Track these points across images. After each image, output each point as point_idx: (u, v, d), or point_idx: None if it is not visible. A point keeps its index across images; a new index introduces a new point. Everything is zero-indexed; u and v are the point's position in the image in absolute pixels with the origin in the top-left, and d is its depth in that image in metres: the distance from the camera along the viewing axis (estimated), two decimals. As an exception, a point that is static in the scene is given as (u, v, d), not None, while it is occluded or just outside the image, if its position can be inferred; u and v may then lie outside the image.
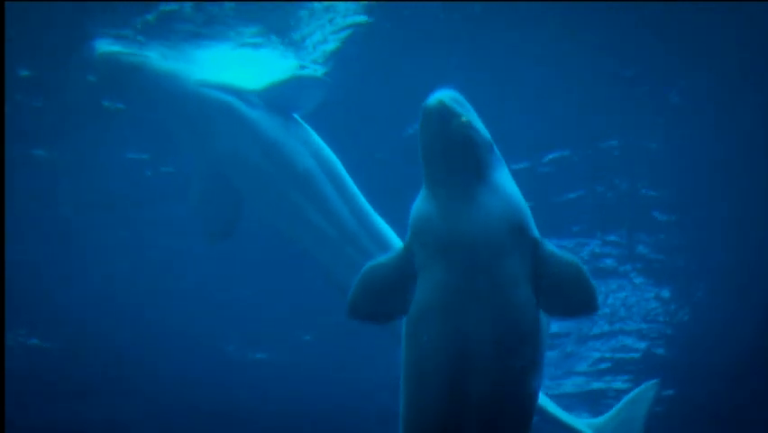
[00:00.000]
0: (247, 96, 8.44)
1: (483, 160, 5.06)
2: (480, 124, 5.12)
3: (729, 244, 12.14)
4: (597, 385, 16.05)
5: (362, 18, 8.59)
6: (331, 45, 8.89)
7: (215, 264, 11.86)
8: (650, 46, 9.00)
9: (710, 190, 11.10)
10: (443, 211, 5.06)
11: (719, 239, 12.04)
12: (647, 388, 9.70)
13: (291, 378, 15.41)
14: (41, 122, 9.68)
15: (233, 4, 8.38)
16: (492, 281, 5.06)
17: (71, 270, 12.26)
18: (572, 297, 5.26)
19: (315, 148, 8.59)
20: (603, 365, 15.40)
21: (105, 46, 8.54)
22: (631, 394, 9.74)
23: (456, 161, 4.98)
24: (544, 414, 9.32)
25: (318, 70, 9.09)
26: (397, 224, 8.11)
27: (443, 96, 4.99)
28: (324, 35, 8.78)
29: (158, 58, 8.54)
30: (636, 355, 15.04)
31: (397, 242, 8.35)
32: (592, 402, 16.06)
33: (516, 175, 5.40)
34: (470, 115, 5.05)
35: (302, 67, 9.09)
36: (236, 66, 8.90)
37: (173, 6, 8.33)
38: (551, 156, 10.38)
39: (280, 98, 8.48)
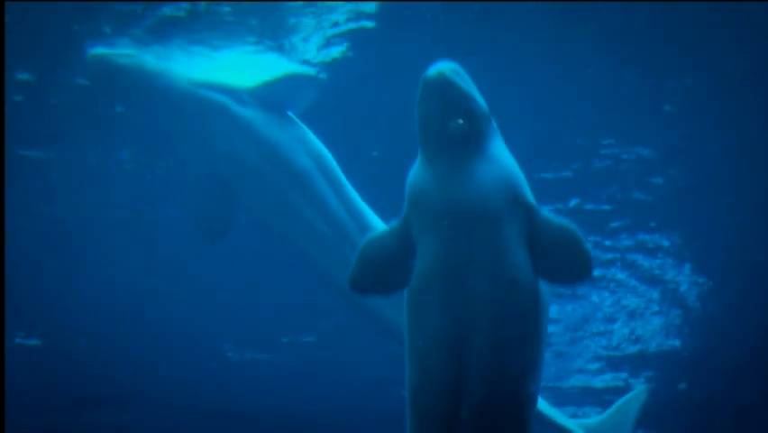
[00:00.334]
0: (240, 94, 8.44)
1: (481, 131, 5.15)
2: (478, 96, 5.19)
3: (729, 245, 12.18)
4: (598, 383, 16.08)
5: (362, 20, 8.58)
6: (328, 47, 8.87)
7: (215, 266, 11.86)
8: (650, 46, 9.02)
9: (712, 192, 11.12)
10: (439, 181, 5.13)
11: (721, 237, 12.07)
12: (639, 392, 9.92)
13: (291, 379, 15.42)
14: (39, 124, 9.68)
15: (229, 7, 8.37)
16: (489, 249, 5.11)
17: (69, 271, 12.27)
18: (568, 261, 5.31)
19: (310, 146, 8.58)
20: (598, 364, 15.43)
21: (98, 48, 8.54)
22: (623, 398, 9.94)
23: (454, 131, 5.04)
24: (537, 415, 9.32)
25: (313, 70, 9.06)
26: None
27: (443, 67, 5.07)
28: (323, 37, 8.78)
29: (150, 59, 8.54)
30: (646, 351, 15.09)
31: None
32: (595, 399, 16.07)
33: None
34: (469, 87, 5.13)
35: (300, 64, 9.07)
36: (233, 67, 8.89)
37: (172, 11, 8.34)
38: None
39: (274, 96, 8.47)
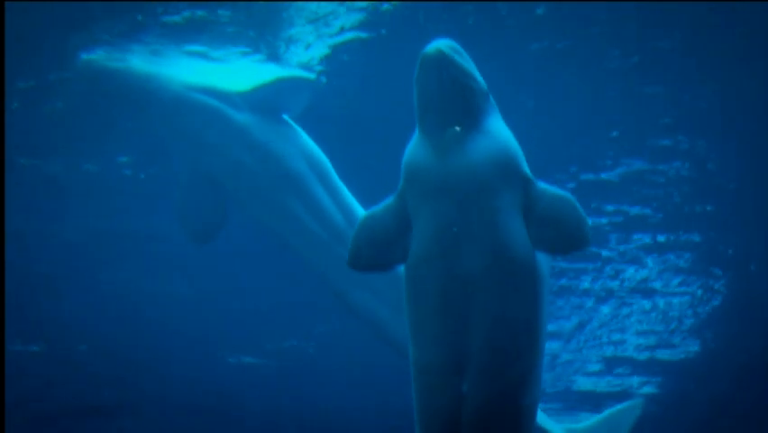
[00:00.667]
0: (233, 98, 8.43)
1: (479, 107, 5.17)
2: (476, 73, 5.22)
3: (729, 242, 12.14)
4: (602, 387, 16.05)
5: (358, 22, 8.55)
6: (325, 51, 8.85)
7: (216, 268, 11.84)
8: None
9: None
10: (435, 156, 5.16)
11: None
12: (633, 406, 9.73)
13: (293, 380, 15.42)
14: (37, 131, 9.69)
15: (228, 12, 8.36)
16: (483, 220, 5.15)
17: (68, 278, 12.27)
18: (566, 229, 5.31)
19: (304, 149, 8.58)
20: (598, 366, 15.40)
21: (89, 53, 8.54)
22: (616, 408, 9.75)
23: (453, 108, 5.08)
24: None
25: (310, 73, 9.03)
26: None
27: (442, 44, 5.10)
28: (319, 40, 8.75)
29: (141, 63, 8.54)
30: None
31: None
32: (595, 403, 16.03)
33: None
34: (467, 63, 5.16)
35: (296, 68, 9.05)
36: (226, 71, 8.87)
37: (170, 19, 8.34)
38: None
39: (267, 100, 8.48)
